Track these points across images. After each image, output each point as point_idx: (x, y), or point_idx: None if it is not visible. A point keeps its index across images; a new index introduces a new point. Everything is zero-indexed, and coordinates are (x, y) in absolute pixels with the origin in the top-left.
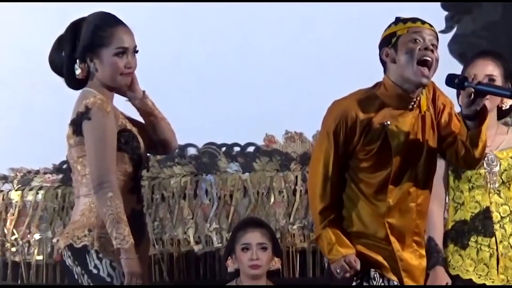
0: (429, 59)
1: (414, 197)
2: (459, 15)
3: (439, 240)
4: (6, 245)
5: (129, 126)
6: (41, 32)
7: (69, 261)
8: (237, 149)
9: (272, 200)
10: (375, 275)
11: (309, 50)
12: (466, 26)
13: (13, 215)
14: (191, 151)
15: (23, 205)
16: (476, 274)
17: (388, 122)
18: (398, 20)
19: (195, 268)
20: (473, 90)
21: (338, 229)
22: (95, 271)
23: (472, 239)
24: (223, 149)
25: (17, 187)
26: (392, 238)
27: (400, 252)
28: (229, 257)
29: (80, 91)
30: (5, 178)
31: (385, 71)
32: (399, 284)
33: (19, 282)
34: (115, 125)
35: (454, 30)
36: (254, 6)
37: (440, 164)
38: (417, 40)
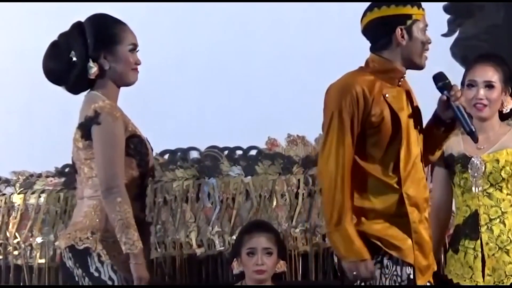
0: (428, 50)
1: (420, 169)
2: (461, 18)
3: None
4: (9, 249)
5: (139, 132)
6: (41, 36)
7: (69, 263)
8: (239, 152)
9: (274, 203)
10: (388, 263)
11: (312, 53)
12: (468, 29)
13: (16, 219)
14: (194, 154)
15: (26, 208)
16: (462, 278)
17: (387, 95)
18: (409, 1)
19: (197, 272)
20: (445, 99)
21: (354, 226)
22: (96, 274)
23: (461, 243)
24: (225, 152)
25: (19, 191)
26: (410, 209)
27: (416, 224)
28: (235, 259)
29: (85, 94)
30: (7, 182)
31: (380, 46)
32: (410, 272)
33: None
34: (124, 130)
35: (456, 33)
36: (256, 8)
37: (439, 171)
38: (426, 30)
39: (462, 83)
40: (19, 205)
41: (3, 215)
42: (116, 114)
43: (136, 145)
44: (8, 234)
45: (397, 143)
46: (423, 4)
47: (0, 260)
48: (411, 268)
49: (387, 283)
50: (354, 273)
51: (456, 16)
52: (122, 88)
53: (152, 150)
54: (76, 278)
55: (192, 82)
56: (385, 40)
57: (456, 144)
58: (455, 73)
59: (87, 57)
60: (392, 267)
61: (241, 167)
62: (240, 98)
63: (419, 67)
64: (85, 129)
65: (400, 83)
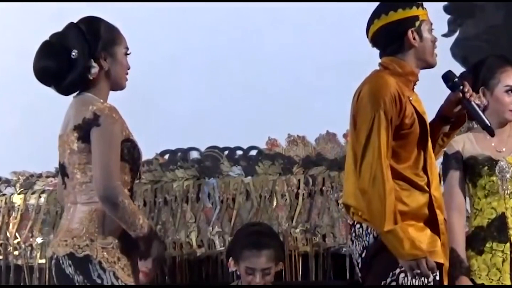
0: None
1: (437, 171)
2: (461, 18)
3: (461, 251)
4: (9, 249)
5: (132, 136)
6: (41, 36)
7: (69, 270)
8: (239, 152)
9: (274, 203)
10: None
11: (312, 54)
12: (469, 29)
13: (16, 219)
14: (194, 154)
15: (26, 208)
16: (489, 279)
17: (411, 97)
18: (414, 3)
19: (198, 272)
20: (460, 96)
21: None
22: (98, 281)
23: (487, 245)
24: (226, 152)
25: (19, 191)
26: (437, 211)
27: (443, 226)
28: (231, 258)
29: (73, 95)
30: (7, 182)
31: (392, 51)
32: (437, 273)
33: None
34: (121, 134)
35: (457, 33)
36: (256, 8)
37: (456, 174)
38: (433, 29)
39: (485, 84)
40: (19, 205)
41: (4, 216)
42: (115, 116)
43: (129, 149)
44: (8, 234)
45: (423, 145)
46: (424, 4)
47: (1, 260)
48: (437, 269)
49: (416, 283)
50: (416, 271)
51: (456, 16)
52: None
53: (141, 154)
54: (77, 284)
55: (193, 82)
56: (397, 45)
57: (470, 146)
58: (455, 72)
59: (89, 56)
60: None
61: (241, 167)
62: (240, 98)
63: (432, 65)
64: (84, 131)
65: (413, 87)
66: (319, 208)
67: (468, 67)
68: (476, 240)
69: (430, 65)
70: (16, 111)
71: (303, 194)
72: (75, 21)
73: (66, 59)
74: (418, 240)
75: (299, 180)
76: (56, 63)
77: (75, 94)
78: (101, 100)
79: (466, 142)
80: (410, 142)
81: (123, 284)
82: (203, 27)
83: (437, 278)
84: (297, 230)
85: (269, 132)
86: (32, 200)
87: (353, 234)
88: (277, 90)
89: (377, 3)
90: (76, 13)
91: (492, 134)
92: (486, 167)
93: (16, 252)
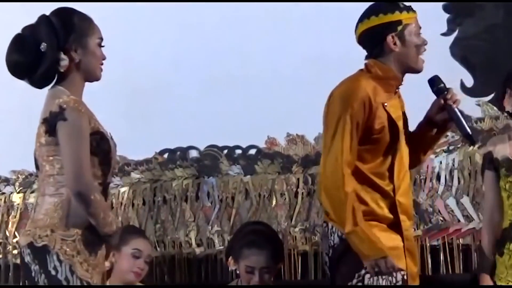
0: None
1: (407, 177)
2: (460, 17)
3: (486, 248)
4: (8, 248)
5: (102, 128)
6: None
7: (28, 258)
8: (238, 151)
9: (274, 202)
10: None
11: (311, 52)
12: (468, 29)
13: (15, 218)
14: (193, 153)
15: (25, 207)
16: (506, 280)
17: (386, 103)
18: (397, 7)
19: (197, 271)
20: (442, 103)
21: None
22: (53, 272)
23: (506, 246)
24: (225, 151)
25: (18, 190)
26: (402, 217)
27: (408, 232)
28: (230, 257)
29: (48, 88)
30: (6, 181)
31: (375, 54)
32: (404, 273)
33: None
34: (89, 127)
35: (456, 33)
36: (255, 6)
37: (489, 174)
38: (420, 33)
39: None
40: (18, 204)
41: (3, 214)
42: (81, 109)
43: (98, 142)
44: (7, 233)
45: (392, 151)
46: (423, 4)
47: (0, 259)
48: (402, 271)
49: (383, 283)
50: (376, 270)
51: (455, 16)
52: (121, 89)
53: (115, 146)
54: (33, 274)
55: (192, 81)
56: (379, 49)
57: (501, 147)
58: (454, 72)
59: (58, 48)
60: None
61: (240, 166)
62: (240, 98)
63: (417, 70)
64: (50, 124)
65: (395, 91)
66: (318, 207)
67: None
68: (499, 241)
69: (414, 70)
70: (15, 110)
71: (302, 193)
72: (43, 14)
73: (36, 52)
74: (380, 240)
75: (298, 179)
76: (27, 56)
77: (49, 87)
78: (68, 93)
79: (500, 142)
80: (378, 147)
81: (77, 279)
82: (203, 26)
83: (405, 278)
84: (296, 229)
85: (268, 131)
86: (31, 199)
87: (322, 233)
88: (277, 89)
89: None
90: None
91: (472, 143)
92: (504, 168)
93: (15, 251)
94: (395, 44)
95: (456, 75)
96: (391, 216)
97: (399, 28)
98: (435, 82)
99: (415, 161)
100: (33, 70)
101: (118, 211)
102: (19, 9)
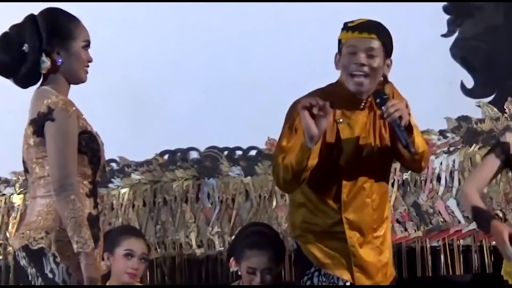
0: (361, 73)
1: (369, 193)
2: (461, 18)
3: (475, 201)
4: (8, 249)
5: (90, 127)
6: None
7: (23, 262)
8: (239, 152)
9: (274, 203)
10: (325, 272)
11: (312, 53)
12: (468, 29)
13: (15, 219)
14: (193, 154)
15: (25, 209)
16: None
17: (341, 120)
18: (344, 26)
19: (197, 272)
20: (380, 113)
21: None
22: (50, 275)
23: None
24: (225, 152)
25: (19, 191)
26: (350, 233)
27: (354, 248)
28: (232, 258)
29: (34, 88)
30: (7, 182)
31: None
32: (348, 280)
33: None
34: (77, 126)
35: (456, 33)
36: (256, 7)
37: (495, 161)
38: (354, 53)
39: None
40: (18, 205)
41: (3, 216)
42: (70, 109)
43: (87, 141)
44: (8, 234)
45: (338, 171)
46: (423, 4)
47: (0, 260)
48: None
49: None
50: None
51: (455, 16)
52: (121, 88)
53: (102, 144)
54: (30, 277)
55: (192, 82)
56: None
57: None
58: (454, 73)
59: (40, 50)
60: (330, 276)
61: (240, 167)
62: (240, 98)
63: (354, 92)
64: (38, 125)
65: (362, 106)
66: None
67: None
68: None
69: (352, 92)
70: (15, 111)
71: None
72: (31, 13)
73: (19, 52)
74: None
75: None
76: (10, 56)
77: (35, 87)
78: (56, 93)
79: None
80: (322, 164)
81: (74, 281)
82: (202, 26)
83: (348, 284)
84: None
85: (269, 132)
86: None
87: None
88: (277, 90)
89: (378, 4)
90: (77, 13)
91: (411, 153)
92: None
93: None
94: (339, 61)
95: (457, 76)
96: (335, 230)
97: (340, 47)
98: (377, 95)
99: (410, 164)
100: (17, 70)
101: (119, 212)
102: (19, 9)
